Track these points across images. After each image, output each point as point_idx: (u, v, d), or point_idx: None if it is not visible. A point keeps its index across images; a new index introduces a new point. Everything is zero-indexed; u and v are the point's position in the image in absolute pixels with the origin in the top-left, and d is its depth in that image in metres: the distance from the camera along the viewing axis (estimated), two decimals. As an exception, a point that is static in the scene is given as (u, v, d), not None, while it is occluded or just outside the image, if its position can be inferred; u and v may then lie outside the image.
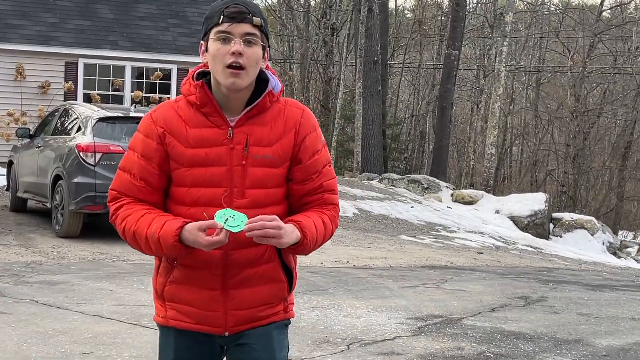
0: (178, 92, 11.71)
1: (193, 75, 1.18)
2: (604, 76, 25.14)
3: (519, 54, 27.99)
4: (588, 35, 24.10)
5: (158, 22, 14.51)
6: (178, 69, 13.76)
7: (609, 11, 28.31)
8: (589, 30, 24.20)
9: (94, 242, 8.07)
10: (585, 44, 24.10)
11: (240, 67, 1.05)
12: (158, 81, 13.59)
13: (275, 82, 1.17)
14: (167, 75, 13.86)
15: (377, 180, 14.42)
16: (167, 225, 0.99)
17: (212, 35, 1.09)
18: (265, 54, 1.15)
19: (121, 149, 7.53)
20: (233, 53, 1.04)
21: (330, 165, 1.19)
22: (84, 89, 12.98)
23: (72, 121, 8.53)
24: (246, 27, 1.07)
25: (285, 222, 1.03)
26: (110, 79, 13.27)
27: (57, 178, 8.02)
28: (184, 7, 15.14)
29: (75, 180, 7.58)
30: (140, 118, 7.58)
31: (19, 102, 12.75)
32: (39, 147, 8.75)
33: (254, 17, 1.08)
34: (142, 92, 13.47)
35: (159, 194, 1.15)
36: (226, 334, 1.14)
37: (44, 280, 6.25)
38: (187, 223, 0.98)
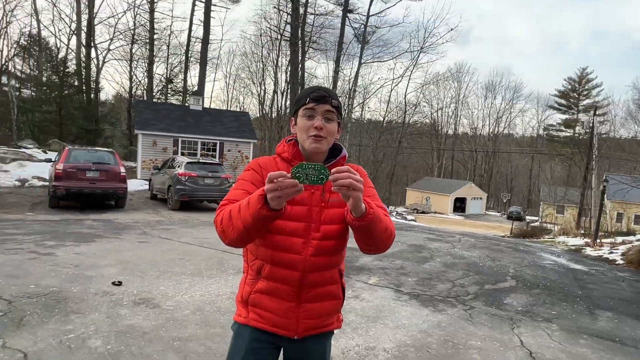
0: (220, 155, 19.10)
1: (286, 140, 1.32)
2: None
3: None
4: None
5: (211, 123, 21.23)
6: (219, 142, 20.52)
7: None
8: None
9: (184, 212, 11.38)
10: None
11: (321, 137, 1.18)
12: (210, 148, 20.27)
13: (345, 150, 1.32)
14: (214, 145, 20.43)
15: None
16: (257, 190, 0.99)
17: (300, 112, 1.21)
18: (339, 128, 1.27)
19: (196, 174, 11.51)
20: (316, 127, 1.17)
21: (380, 201, 1.24)
22: (180, 150, 19.22)
23: (176, 163, 12.25)
24: (326, 107, 1.18)
25: None
26: (191, 146, 19.81)
27: (170, 186, 11.80)
28: (222, 117, 22.40)
29: (177, 187, 11.33)
30: (205, 162, 12.87)
31: (154, 156, 18.76)
32: (162, 174, 12.89)
33: (332, 100, 1.19)
34: (204, 152, 20.05)
35: None
36: (295, 337, 1.24)
37: (163, 227, 8.77)
38: None
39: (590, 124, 27.15)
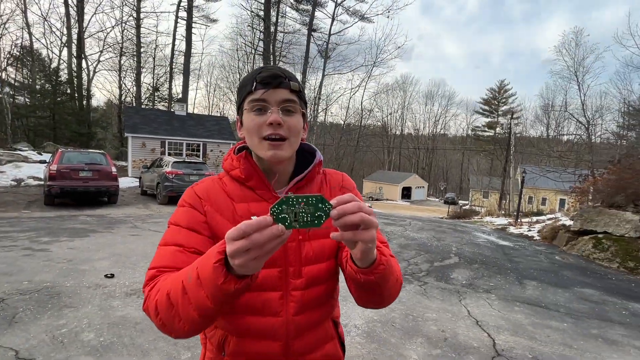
0: (204, 154, 18.42)
1: (234, 150, 0.80)
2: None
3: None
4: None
5: (195, 127, 20.13)
6: (202, 143, 19.29)
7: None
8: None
9: (172, 206, 10.80)
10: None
11: (281, 139, 0.69)
12: (194, 149, 19.17)
13: (319, 153, 0.81)
14: (198, 146, 19.26)
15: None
16: (207, 253, 0.55)
17: (246, 105, 0.71)
18: (305, 123, 0.77)
19: (182, 172, 10.71)
20: (271, 124, 0.68)
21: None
22: (167, 151, 18.34)
23: (164, 162, 11.55)
24: (283, 94, 0.69)
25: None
26: (177, 147, 18.78)
27: (158, 183, 11.17)
28: (204, 122, 21.08)
29: (165, 183, 10.78)
30: (190, 162, 12.15)
31: (143, 156, 17.56)
32: (151, 172, 12.13)
33: (290, 82, 0.70)
34: (189, 152, 19.01)
35: None
36: None
37: (153, 221, 8.21)
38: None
39: (508, 126, 28.35)
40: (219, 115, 36.62)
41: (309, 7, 28.29)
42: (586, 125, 21.24)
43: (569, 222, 8.90)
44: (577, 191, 10.73)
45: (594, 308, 4.35)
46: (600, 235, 7.44)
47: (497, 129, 60.03)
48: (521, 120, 51.44)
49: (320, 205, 0.51)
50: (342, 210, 0.51)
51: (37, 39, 33.52)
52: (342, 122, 46.28)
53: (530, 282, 5.29)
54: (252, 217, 0.48)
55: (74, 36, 26.74)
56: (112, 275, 4.24)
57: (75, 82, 26.39)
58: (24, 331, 2.80)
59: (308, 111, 0.80)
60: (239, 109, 0.76)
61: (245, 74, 0.77)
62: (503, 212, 20.47)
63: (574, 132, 24.36)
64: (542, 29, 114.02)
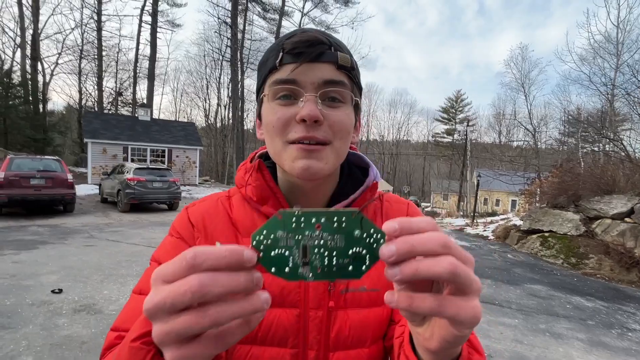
0: (169, 160, 17.84)
1: (251, 158, 0.54)
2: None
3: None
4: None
5: (160, 132, 19.19)
6: (167, 149, 18.48)
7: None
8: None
9: (134, 214, 10.39)
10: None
11: (319, 143, 0.44)
12: (159, 154, 18.34)
13: (376, 170, 0.55)
14: (163, 152, 18.41)
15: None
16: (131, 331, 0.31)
17: (266, 89, 0.46)
18: (358, 119, 0.50)
19: (144, 179, 10.25)
20: (303, 119, 0.42)
21: None
22: (130, 157, 17.29)
23: (125, 169, 11.02)
24: (325, 71, 0.43)
25: None
26: (141, 153, 17.83)
27: (119, 190, 10.61)
28: (170, 127, 20.12)
29: (126, 190, 10.27)
30: (153, 168, 11.91)
31: (104, 163, 16.72)
32: (112, 179, 11.46)
33: (337, 52, 0.44)
34: (153, 158, 18.10)
35: None
36: None
37: (112, 230, 7.72)
38: None
39: (465, 133, 29.66)
40: (186, 120, 35.52)
41: (276, 17, 28.20)
42: (533, 133, 22.65)
43: (519, 222, 9.35)
44: (525, 193, 11.33)
45: (542, 303, 4.53)
46: (546, 234, 7.86)
47: (455, 136, 62.70)
48: (476, 128, 54.10)
49: (357, 231, 0.26)
50: (409, 246, 0.24)
51: (-13, 39, 30.99)
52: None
53: (485, 281, 5.45)
54: (216, 244, 0.24)
55: (29, 37, 24.96)
56: (60, 291, 3.87)
57: (30, 85, 24.56)
58: (-52, 359, 2.46)
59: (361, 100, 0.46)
60: (258, 95, 0.50)
61: (270, 45, 0.49)
62: (462, 213, 21.28)
63: (523, 139, 25.92)
64: (495, 44, 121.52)
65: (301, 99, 0.44)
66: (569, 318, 4.07)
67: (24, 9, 24.60)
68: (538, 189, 10.26)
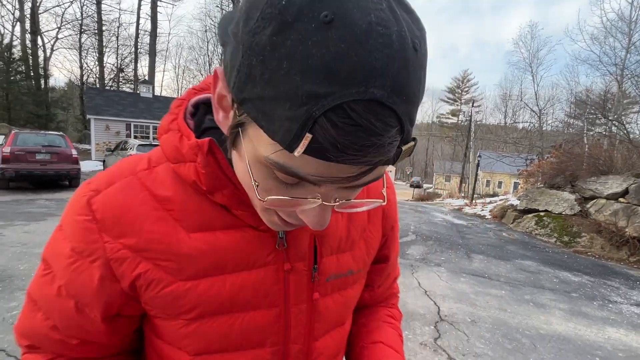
0: None
1: (185, 111, 0.43)
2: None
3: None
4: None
5: (162, 109, 18.70)
6: None
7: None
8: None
9: None
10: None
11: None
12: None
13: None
14: None
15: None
16: None
17: (261, 148, 0.27)
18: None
19: None
20: (319, 221, 0.30)
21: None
22: (133, 134, 17.51)
23: (128, 145, 11.04)
24: (373, 174, 0.28)
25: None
26: (144, 130, 17.97)
27: None
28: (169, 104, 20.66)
29: None
30: (156, 145, 12.76)
31: (107, 139, 16.72)
32: (115, 155, 11.41)
33: (403, 145, 0.26)
34: (156, 135, 19.00)
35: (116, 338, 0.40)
36: None
37: None
38: None
39: (470, 114, 29.39)
40: (188, 98, 35.25)
41: (280, -10, 27.45)
42: (538, 114, 22.42)
43: (516, 202, 9.49)
44: (524, 174, 11.40)
45: (530, 277, 4.73)
46: (542, 213, 8.01)
47: (460, 116, 62.02)
48: (482, 109, 53.44)
49: None
50: None
51: (-15, 13, 30.52)
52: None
53: (478, 256, 5.64)
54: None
55: (27, 11, 24.59)
56: (70, 258, 4.09)
57: (30, 60, 24.39)
58: (-29, 314, 2.68)
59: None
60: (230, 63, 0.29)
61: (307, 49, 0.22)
62: (463, 194, 21.42)
63: (528, 120, 25.70)
64: (507, 21, 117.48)
65: (323, 187, 0.29)
66: (554, 290, 4.26)
67: (22, -20, 24.15)
68: (538, 170, 10.33)
